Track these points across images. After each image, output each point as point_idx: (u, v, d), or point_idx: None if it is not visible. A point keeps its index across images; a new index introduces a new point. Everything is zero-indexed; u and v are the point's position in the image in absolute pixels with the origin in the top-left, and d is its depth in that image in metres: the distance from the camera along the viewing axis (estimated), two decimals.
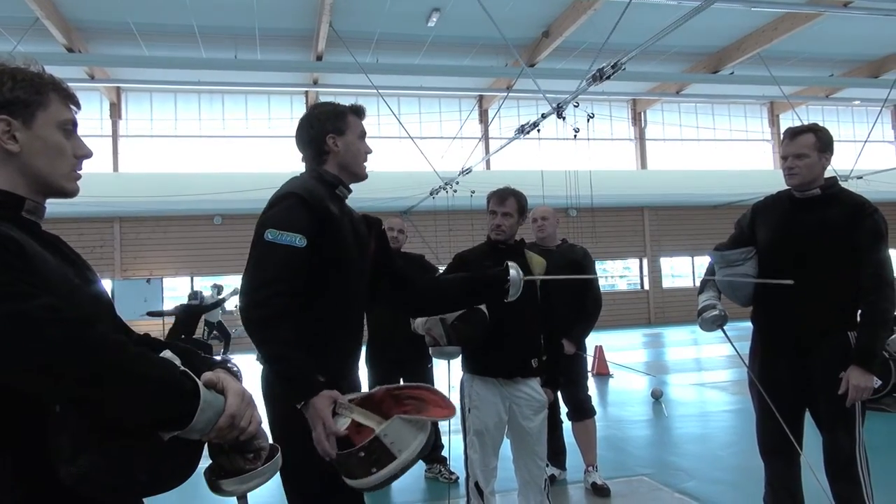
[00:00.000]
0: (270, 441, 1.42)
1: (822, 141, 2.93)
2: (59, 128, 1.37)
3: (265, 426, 1.44)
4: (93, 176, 1.51)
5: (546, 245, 4.50)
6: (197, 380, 1.20)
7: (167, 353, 1.30)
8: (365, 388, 4.86)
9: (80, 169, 1.44)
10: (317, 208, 2.07)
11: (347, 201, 2.33)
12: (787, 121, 19.62)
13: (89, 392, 1.10)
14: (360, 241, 2.28)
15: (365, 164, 2.34)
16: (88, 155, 1.45)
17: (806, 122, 3.22)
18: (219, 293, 13.27)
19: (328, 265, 2.09)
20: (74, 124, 1.42)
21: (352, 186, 2.32)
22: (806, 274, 2.86)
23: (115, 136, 16.78)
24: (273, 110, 17.41)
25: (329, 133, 2.23)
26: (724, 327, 3.15)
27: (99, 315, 1.36)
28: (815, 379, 2.89)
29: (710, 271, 3.25)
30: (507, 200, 3.38)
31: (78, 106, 1.45)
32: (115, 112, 16.79)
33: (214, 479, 1.36)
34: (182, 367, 1.22)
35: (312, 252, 2.02)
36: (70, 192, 1.41)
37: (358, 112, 2.32)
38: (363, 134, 2.33)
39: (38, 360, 1.07)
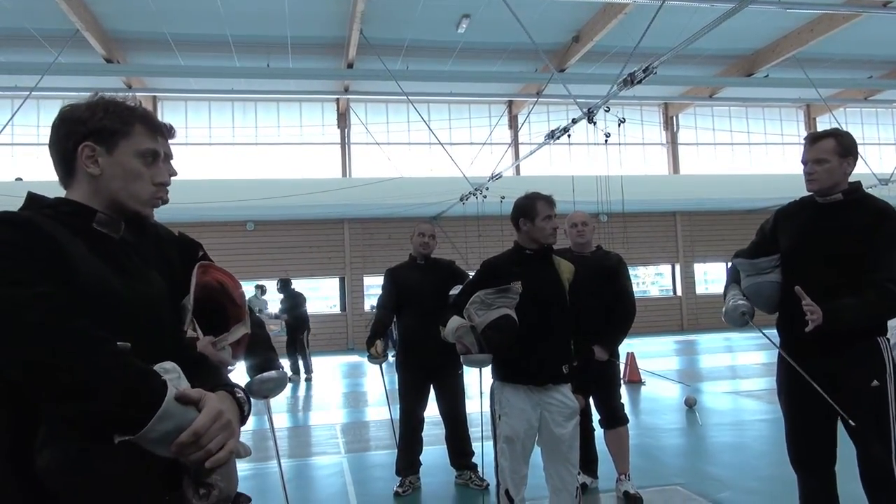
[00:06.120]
0: (239, 491, 1.34)
1: (843, 146, 2.85)
2: (139, 156, 1.45)
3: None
4: None
5: (582, 251, 4.44)
6: (170, 391, 1.17)
7: (166, 365, 1.28)
8: (395, 393, 4.90)
9: (163, 194, 1.53)
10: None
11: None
12: (825, 124, 19.22)
13: (49, 382, 1.12)
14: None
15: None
16: (166, 183, 1.53)
17: (844, 125, 3.14)
18: (262, 293, 13.43)
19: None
20: (156, 154, 1.48)
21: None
22: (830, 280, 2.79)
23: None
24: (305, 118, 17.60)
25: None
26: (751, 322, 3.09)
27: (137, 321, 1.35)
28: (844, 389, 2.81)
29: (733, 277, 3.20)
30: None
31: (167, 136, 1.53)
32: None
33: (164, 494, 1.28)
34: (162, 379, 1.20)
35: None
36: (144, 216, 1.49)
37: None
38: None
39: (10, 344, 1.12)
